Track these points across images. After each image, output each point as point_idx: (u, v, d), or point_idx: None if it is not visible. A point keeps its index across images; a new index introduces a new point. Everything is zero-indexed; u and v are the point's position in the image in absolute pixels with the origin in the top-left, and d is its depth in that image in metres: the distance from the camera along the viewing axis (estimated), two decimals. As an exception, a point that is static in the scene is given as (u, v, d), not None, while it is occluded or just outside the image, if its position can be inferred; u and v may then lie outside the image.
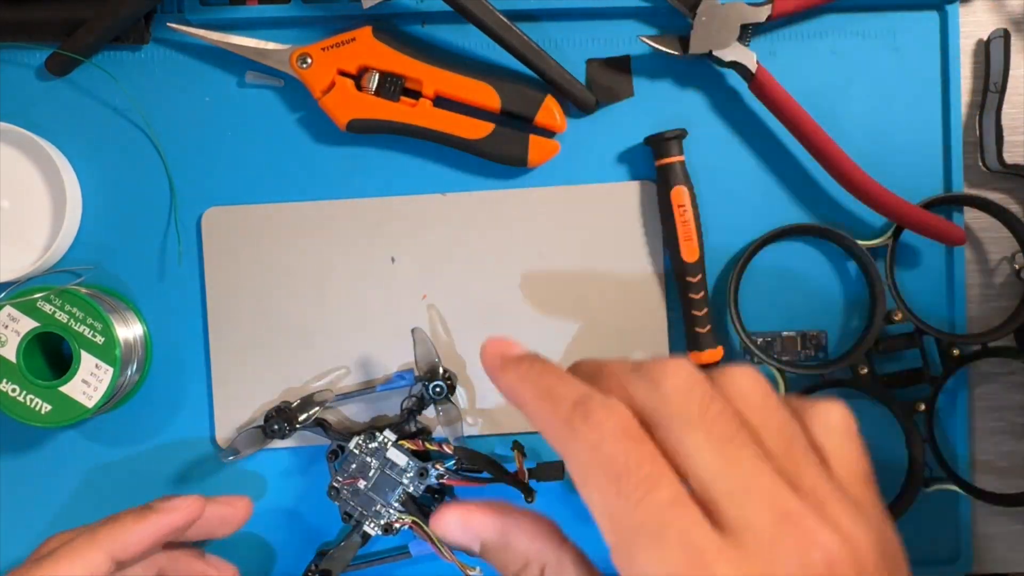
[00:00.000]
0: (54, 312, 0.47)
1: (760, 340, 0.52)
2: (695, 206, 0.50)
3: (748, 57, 0.49)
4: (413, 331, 0.49)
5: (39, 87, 0.51)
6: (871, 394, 0.51)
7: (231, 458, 0.49)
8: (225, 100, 0.51)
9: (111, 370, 0.47)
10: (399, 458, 0.48)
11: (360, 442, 0.48)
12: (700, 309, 0.50)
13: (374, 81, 0.49)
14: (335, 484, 0.48)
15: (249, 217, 0.51)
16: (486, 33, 0.48)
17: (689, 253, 0.49)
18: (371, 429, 0.49)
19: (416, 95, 0.49)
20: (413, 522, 0.48)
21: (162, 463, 0.51)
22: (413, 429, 0.49)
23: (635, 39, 0.51)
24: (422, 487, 0.48)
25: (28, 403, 0.47)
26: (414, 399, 0.49)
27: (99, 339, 0.47)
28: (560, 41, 0.51)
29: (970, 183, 0.52)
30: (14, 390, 0.47)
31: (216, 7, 0.50)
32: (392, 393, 0.50)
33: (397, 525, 0.48)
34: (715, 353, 0.50)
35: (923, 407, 0.50)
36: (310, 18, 0.50)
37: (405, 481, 0.48)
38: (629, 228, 0.51)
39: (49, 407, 0.47)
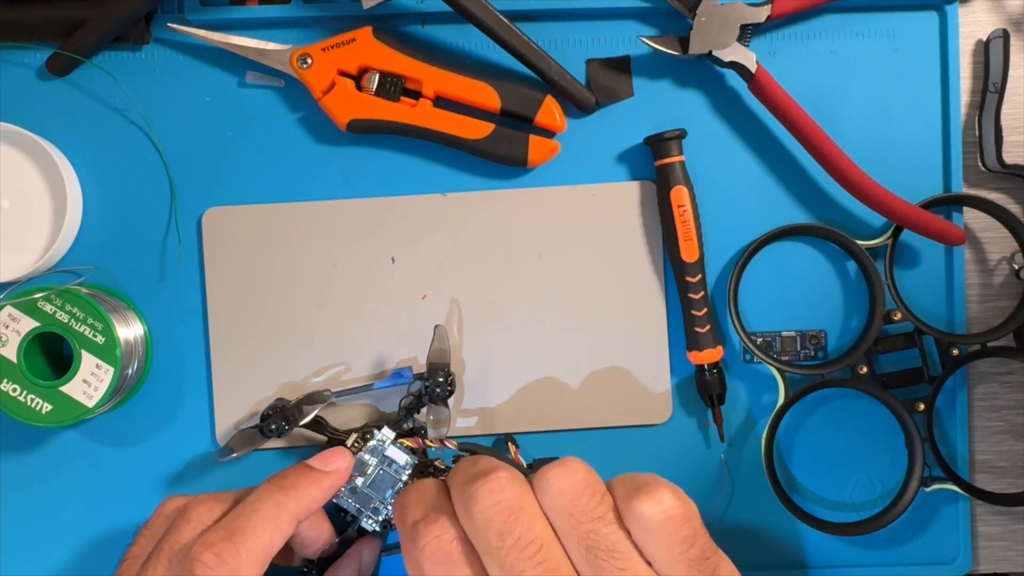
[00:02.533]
0: (55, 312, 0.47)
1: (760, 340, 0.52)
2: (695, 206, 0.50)
3: (748, 57, 0.49)
4: (436, 327, 0.49)
5: (39, 87, 0.51)
6: (870, 394, 0.51)
7: (227, 457, 0.49)
8: (225, 100, 0.51)
9: (112, 370, 0.47)
10: (398, 456, 0.48)
11: (358, 440, 0.48)
12: (700, 309, 0.50)
13: (374, 81, 0.49)
14: None
15: (249, 217, 0.51)
16: (486, 33, 0.48)
17: (689, 253, 0.49)
18: (368, 427, 0.49)
19: (416, 95, 0.49)
20: None
21: (162, 463, 0.51)
22: (410, 427, 0.49)
23: (635, 39, 0.51)
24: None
25: (28, 403, 0.47)
26: (412, 397, 0.49)
27: (99, 339, 0.47)
28: (560, 41, 0.51)
29: (969, 183, 0.52)
30: (15, 390, 0.47)
31: (216, 7, 0.50)
32: (389, 392, 0.50)
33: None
34: (715, 353, 0.50)
35: (922, 407, 0.50)
36: (310, 18, 0.50)
37: (404, 478, 0.48)
38: (629, 228, 0.51)
39: (49, 407, 0.47)
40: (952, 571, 0.52)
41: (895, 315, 0.50)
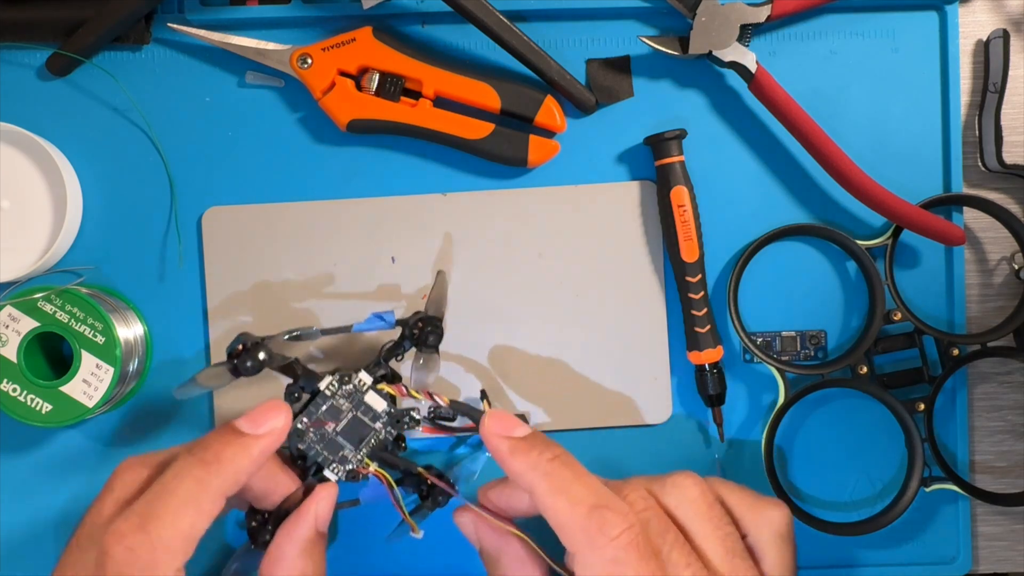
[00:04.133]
0: (55, 312, 0.47)
1: (760, 340, 0.52)
2: (695, 206, 0.50)
3: (748, 57, 0.49)
4: (439, 273, 0.48)
5: (39, 87, 0.51)
6: (870, 394, 0.51)
7: (187, 392, 0.45)
8: (225, 100, 0.51)
9: (112, 370, 0.47)
10: (377, 403, 0.45)
11: (333, 383, 0.45)
12: (700, 309, 0.50)
13: (374, 81, 0.49)
14: (299, 426, 0.44)
15: (249, 217, 0.51)
16: (486, 33, 0.48)
17: (689, 253, 0.49)
18: (344, 370, 0.46)
19: (416, 95, 0.49)
20: (378, 470, 0.45)
21: (162, 463, 0.51)
22: (387, 372, 0.47)
23: (635, 39, 0.51)
24: (395, 434, 0.46)
25: (28, 403, 0.47)
26: (393, 343, 0.47)
27: (100, 339, 0.47)
28: (560, 41, 0.51)
29: (969, 183, 0.52)
30: (15, 390, 0.47)
31: (216, 7, 0.50)
32: (363, 336, 0.49)
33: (363, 472, 0.45)
34: (715, 353, 0.50)
35: (922, 407, 0.50)
36: (310, 18, 0.50)
37: (378, 426, 0.45)
38: (629, 228, 0.51)
39: (49, 407, 0.47)
40: (952, 571, 0.52)
41: (895, 315, 0.50)
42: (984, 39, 0.52)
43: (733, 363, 0.52)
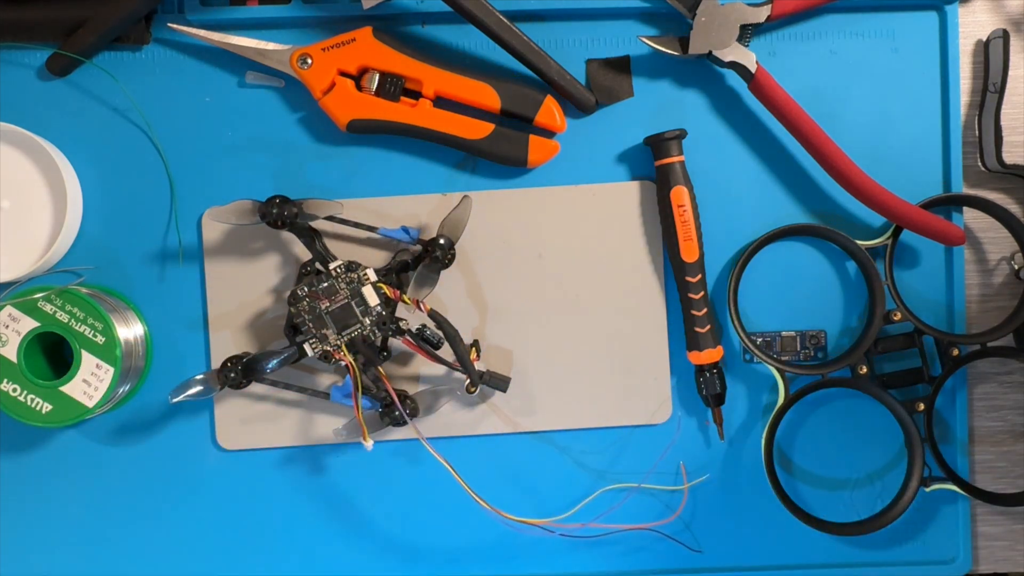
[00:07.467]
0: (55, 312, 0.47)
1: (760, 340, 0.52)
2: (695, 206, 0.50)
3: (748, 57, 0.49)
4: (464, 197, 0.49)
5: (39, 87, 0.51)
6: (870, 394, 0.51)
7: (221, 216, 0.48)
8: (225, 100, 0.51)
9: (112, 370, 0.47)
10: (372, 297, 0.47)
11: (341, 266, 0.47)
12: (700, 309, 0.50)
13: (374, 81, 0.49)
14: (299, 291, 0.47)
15: (249, 217, 0.51)
16: (486, 33, 0.48)
17: (689, 253, 0.49)
18: (355, 262, 0.48)
19: (416, 95, 0.49)
20: (350, 362, 0.47)
21: (162, 463, 0.51)
22: (394, 280, 0.49)
23: (635, 39, 0.51)
24: (378, 334, 0.48)
25: (28, 403, 0.47)
26: (409, 254, 0.49)
27: (100, 339, 0.47)
28: (560, 41, 0.51)
29: (969, 183, 0.52)
30: (15, 390, 0.47)
31: (216, 7, 0.50)
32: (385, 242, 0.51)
33: (336, 357, 0.47)
34: (715, 353, 0.50)
35: (922, 407, 0.50)
36: (310, 18, 0.50)
37: (367, 322, 0.47)
38: (629, 228, 0.51)
39: (49, 407, 0.47)
40: (952, 571, 0.52)
41: (895, 315, 0.50)
42: (984, 39, 0.52)
43: (733, 363, 0.52)
